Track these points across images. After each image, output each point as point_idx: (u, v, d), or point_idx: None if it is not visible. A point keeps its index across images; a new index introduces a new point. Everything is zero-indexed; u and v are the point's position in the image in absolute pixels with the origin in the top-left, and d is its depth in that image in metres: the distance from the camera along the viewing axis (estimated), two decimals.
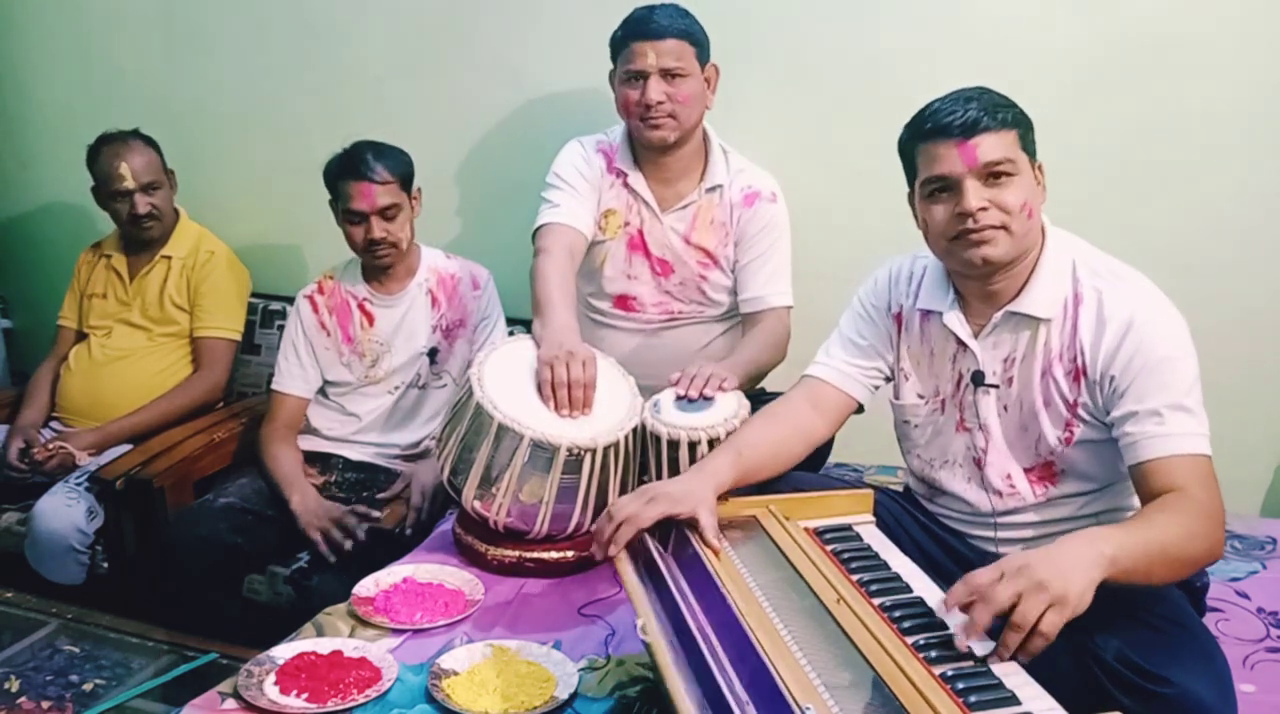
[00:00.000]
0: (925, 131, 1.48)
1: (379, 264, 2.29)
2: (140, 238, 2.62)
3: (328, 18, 2.75)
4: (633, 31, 2.11)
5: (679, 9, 2.14)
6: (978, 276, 1.53)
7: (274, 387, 2.37)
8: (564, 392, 1.82)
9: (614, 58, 2.17)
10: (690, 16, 2.13)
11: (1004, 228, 1.45)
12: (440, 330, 2.35)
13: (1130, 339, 1.44)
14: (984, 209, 1.44)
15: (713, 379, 1.91)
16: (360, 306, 2.34)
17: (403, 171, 2.25)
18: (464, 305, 2.37)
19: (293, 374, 2.34)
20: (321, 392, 2.38)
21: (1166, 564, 1.29)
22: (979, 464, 1.61)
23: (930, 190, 1.49)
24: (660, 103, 2.09)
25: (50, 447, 2.44)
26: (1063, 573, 1.16)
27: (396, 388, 2.36)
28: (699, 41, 2.13)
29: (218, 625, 2.06)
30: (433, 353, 2.34)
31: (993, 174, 1.44)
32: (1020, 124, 1.47)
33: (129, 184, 2.52)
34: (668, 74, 2.09)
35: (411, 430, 2.38)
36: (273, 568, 2.19)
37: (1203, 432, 1.41)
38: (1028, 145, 1.48)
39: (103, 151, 2.55)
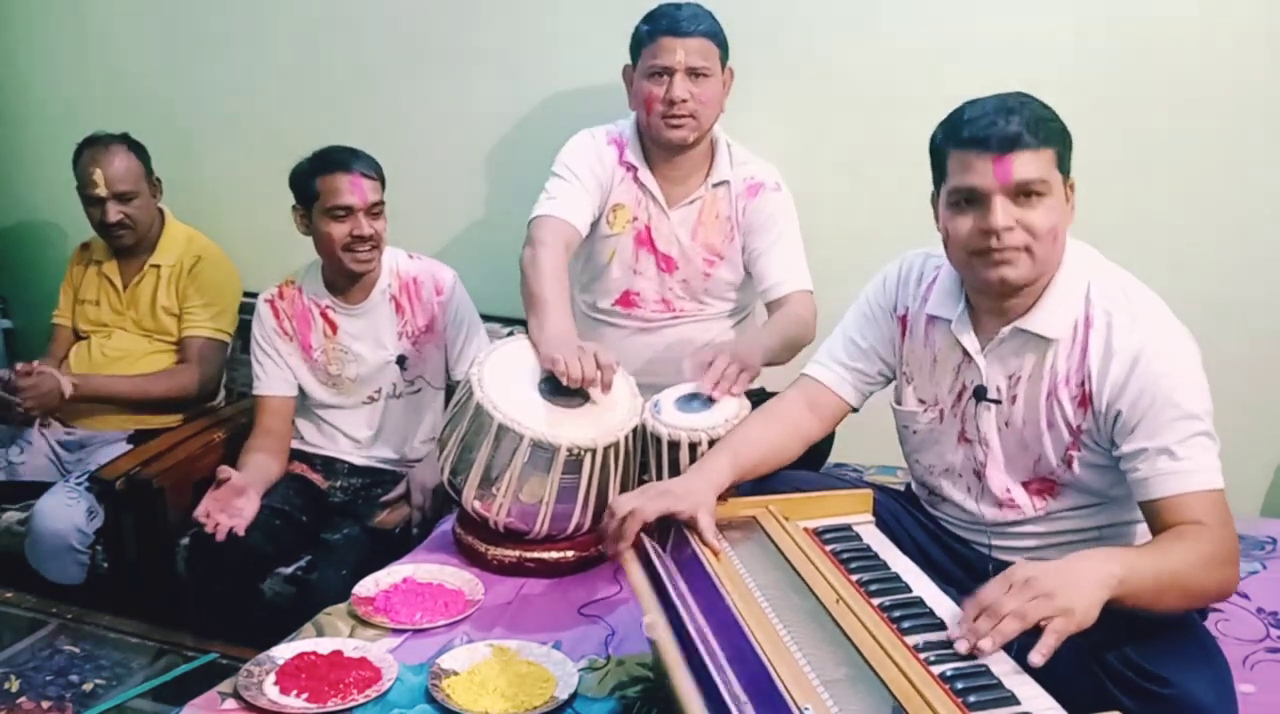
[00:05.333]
0: (962, 139, 1.42)
1: (358, 267, 2.21)
2: (113, 245, 2.60)
3: (328, 17, 2.75)
4: (661, 27, 2.09)
5: (704, 9, 2.13)
6: (993, 294, 1.50)
7: (254, 392, 2.32)
8: (576, 368, 1.80)
9: (634, 53, 2.16)
10: (715, 18, 2.12)
11: (1027, 250, 1.41)
12: (407, 337, 2.31)
13: (1138, 374, 1.40)
14: (1009, 229, 1.40)
15: (740, 377, 1.88)
16: (323, 314, 2.29)
17: (382, 175, 2.23)
18: (429, 310, 2.32)
19: (269, 374, 2.30)
20: (305, 407, 2.36)
21: (1177, 593, 1.29)
22: (979, 475, 1.59)
23: (957, 199, 1.44)
24: (684, 100, 2.08)
25: (31, 367, 2.41)
26: (1071, 585, 1.18)
27: (372, 398, 2.33)
28: (723, 43, 2.13)
29: (219, 625, 2.05)
30: (401, 360, 2.30)
31: (1024, 193, 1.40)
32: (1059, 142, 1.43)
33: (100, 191, 2.50)
34: (693, 73, 2.09)
35: (410, 443, 2.37)
36: (274, 568, 2.18)
37: (1215, 465, 1.38)
38: (1063, 164, 1.44)
39: (83, 154, 2.53)
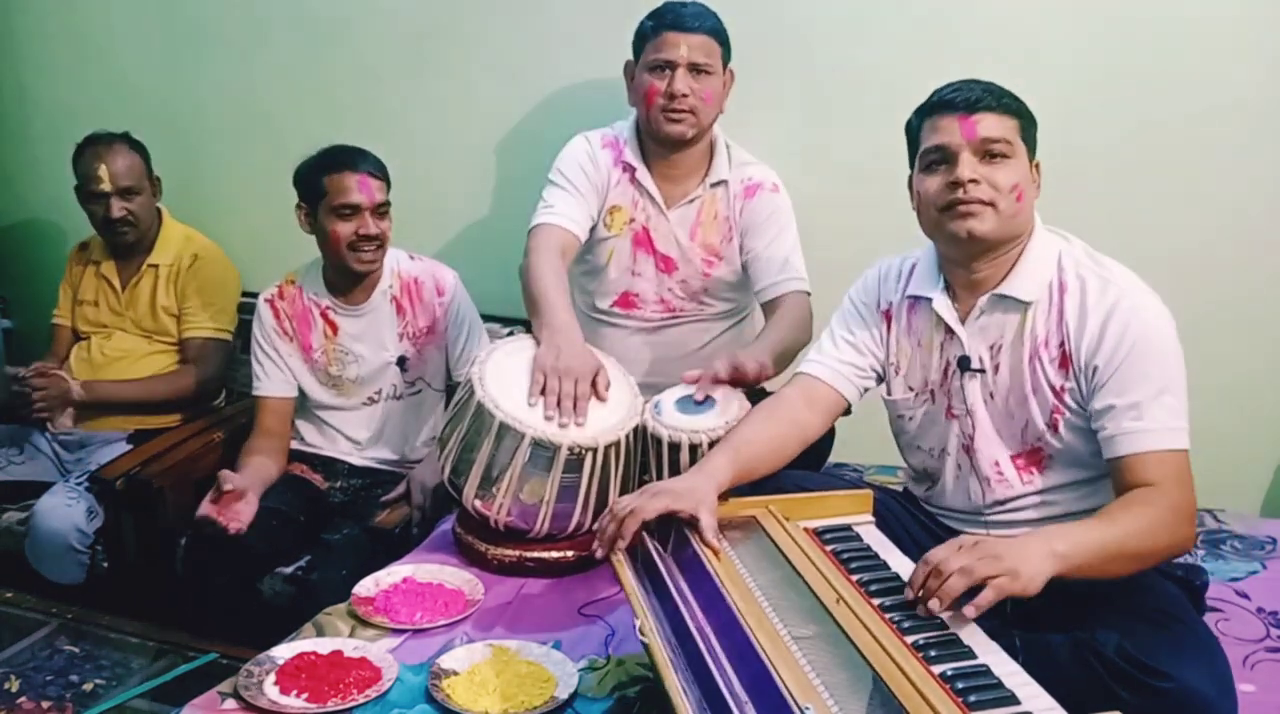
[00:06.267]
0: (931, 106, 1.54)
1: (361, 267, 2.21)
2: (114, 242, 2.60)
3: (327, 18, 2.75)
4: (666, 22, 2.11)
5: (708, 7, 2.15)
6: (963, 258, 1.56)
7: (254, 392, 2.32)
8: (554, 399, 1.82)
9: (637, 48, 2.17)
10: (718, 17, 2.14)
11: (992, 204, 1.49)
12: (408, 338, 2.31)
13: (1112, 329, 1.47)
14: (974, 182, 1.48)
15: (732, 368, 1.88)
16: (323, 315, 2.29)
17: (388, 175, 2.23)
18: (430, 311, 2.32)
19: (269, 375, 2.29)
20: (304, 408, 2.36)
21: (1124, 560, 1.34)
22: (968, 451, 1.62)
23: (928, 162, 1.53)
24: (685, 95, 2.09)
25: (46, 368, 2.42)
26: (1018, 553, 1.25)
27: (372, 400, 2.33)
28: (725, 42, 2.15)
29: (218, 625, 2.05)
30: (402, 361, 2.30)
31: (989, 153, 1.49)
32: (1022, 116, 1.53)
33: (105, 187, 2.50)
34: (695, 68, 2.10)
35: (409, 444, 2.37)
36: (272, 567, 2.18)
37: (1180, 425, 1.44)
38: (1027, 138, 1.53)
39: (85, 152, 2.53)
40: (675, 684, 1.14)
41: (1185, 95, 2.18)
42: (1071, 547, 1.28)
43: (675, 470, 1.78)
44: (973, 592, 1.22)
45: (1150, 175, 2.24)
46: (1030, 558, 1.24)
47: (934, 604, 1.22)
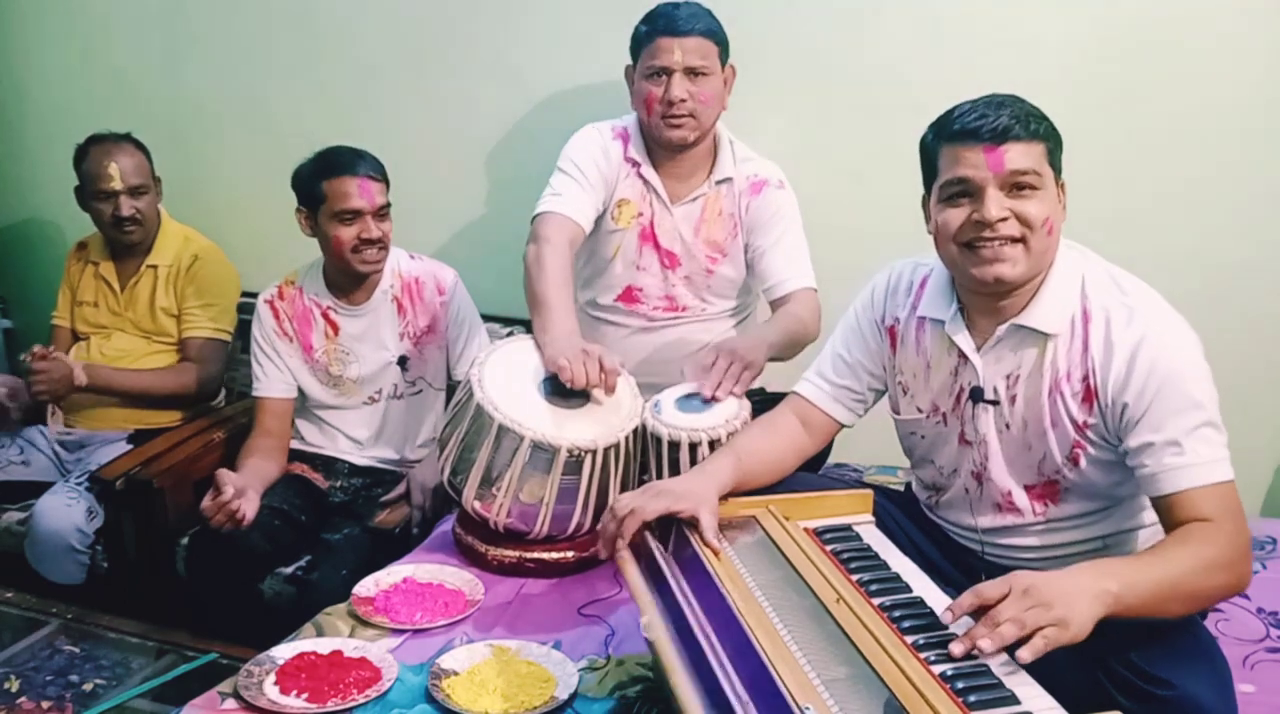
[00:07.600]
0: (953, 133, 1.42)
1: (366, 268, 2.21)
2: (122, 242, 2.58)
3: (327, 17, 2.75)
4: (659, 27, 2.09)
5: (703, 7, 2.13)
6: (985, 293, 1.48)
7: (253, 393, 2.32)
8: (580, 370, 1.81)
9: (634, 53, 2.16)
10: (714, 16, 2.13)
11: (1022, 241, 1.40)
12: (409, 337, 2.31)
13: (1141, 363, 1.39)
14: (1003, 219, 1.39)
15: (743, 377, 1.86)
16: (324, 315, 2.29)
17: (386, 176, 2.22)
18: (431, 311, 2.32)
19: (269, 376, 2.29)
20: (305, 407, 2.36)
21: (1180, 600, 1.28)
22: (979, 478, 1.58)
23: (950, 193, 1.43)
24: (683, 100, 2.08)
25: (47, 351, 2.39)
26: (1069, 599, 1.17)
27: (372, 399, 2.33)
28: (722, 41, 2.14)
29: (219, 625, 2.05)
30: (403, 361, 2.30)
31: (1017, 185, 1.40)
32: (1050, 138, 1.43)
33: (116, 185, 2.49)
34: (692, 72, 2.09)
35: (410, 444, 2.37)
36: (274, 567, 2.18)
37: (1223, 456, 1.37)
38: (1054, 161, 1.43)
39: (91, 151, 2.52)
40: (683, 681, 1.13)
41: (1185, 95, 2.19)
42: (1125, 587, 1.21)
43: (675, 469, 1.79)
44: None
45: (1150, 175, 2.24)
46: (1079, 604, 1.17)
47: (985, 644, 1.15)
